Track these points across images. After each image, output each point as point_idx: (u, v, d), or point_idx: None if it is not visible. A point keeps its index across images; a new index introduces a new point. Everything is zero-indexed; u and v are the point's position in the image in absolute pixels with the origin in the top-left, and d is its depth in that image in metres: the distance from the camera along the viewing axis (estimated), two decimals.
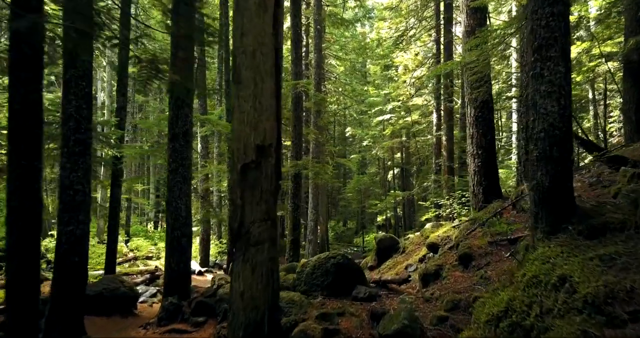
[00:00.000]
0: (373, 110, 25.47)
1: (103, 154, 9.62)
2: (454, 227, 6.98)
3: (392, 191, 26.39)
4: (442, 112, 17.54)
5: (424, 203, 16.14)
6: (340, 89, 26.35)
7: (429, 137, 23.23)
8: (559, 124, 3.39)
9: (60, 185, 5.68)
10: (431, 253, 6.72)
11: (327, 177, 12.05)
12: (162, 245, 23.81)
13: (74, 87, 5.67)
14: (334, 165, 27.73)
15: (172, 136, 7.03)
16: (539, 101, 3.40)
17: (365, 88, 27.11)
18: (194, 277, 15.30)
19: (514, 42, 17.12)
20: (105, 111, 20.53)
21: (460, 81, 19.87)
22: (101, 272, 11.20)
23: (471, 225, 6.41)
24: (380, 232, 30.64)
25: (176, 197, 6.97)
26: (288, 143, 14.77)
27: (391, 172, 28.62)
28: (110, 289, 8.33)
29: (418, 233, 11.68)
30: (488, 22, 8.40)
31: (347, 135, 33.56)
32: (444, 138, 16.82)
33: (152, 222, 31.82)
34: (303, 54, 24.27)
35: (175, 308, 6.67)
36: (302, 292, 5.01)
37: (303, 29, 24.41)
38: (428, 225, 10.83)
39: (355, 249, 28.07)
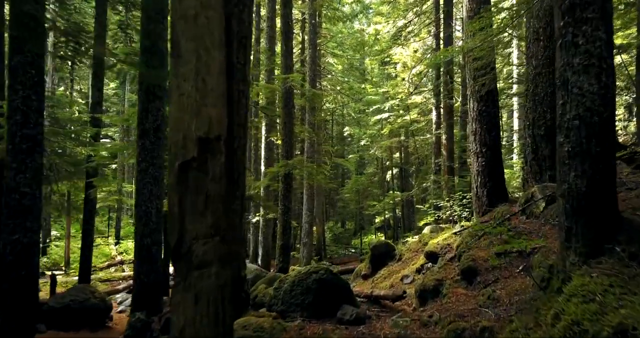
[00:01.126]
0: (371, 109, 24.78)
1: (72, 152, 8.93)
2: (455, 233, 6.27)
3: (391, 192, 25.75)
4: (441, 109, 16.84)
5: (422, 206, 15.42)
6: (338, 88, 25.64)
7: (428, 136, 22.52)
8: (600, 107, 2.58)
9: (5, 188, 4.98)
10: (430, 263, 6.01)
11: (320, 178, 11.35)
12: None
13: (22, 75, 4.96)
14: (331, 165, 27.06)
15: (142, 132, 6.33)
16: (571, 78, 2.62)
17: (363, 86, 26.43)
18: None
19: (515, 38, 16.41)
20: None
21: (460, 77, 19.17)
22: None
23: (475, 232, 5.70)
24: (378, 234, 29.94)
25: (146, 199, 6.27)
26: (279, 142, 14.05)
27: (390, 172, 27.94)
28: (79, 301, 7.62)
29: (416, 238, 10.98)
30: (492, 9, 7.69)
31: (345, 134, 32.90)
32: (443, 137, 16.13)
33: None
34: (299, 51, 23.61)
35: (144, 325, 5.95)
36: (280, 312, 4.31)
37: (299, 25, 23.75)
38: (426, 230, 10.12)
39: (353, 251, 27.45)
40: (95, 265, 15.43)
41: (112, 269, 16.39)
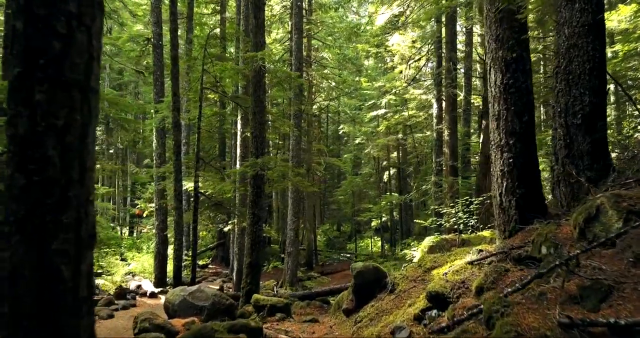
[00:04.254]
0: (367, 105, 22.84)
1: None
2: (470, 263, 4.29)
3: (388, 193, 23.84)
4: (443, 101, 14.87)
5: (420, 220, 13.39)
6: (333, 83, 23.57)
7: (428, 133, 20.61)
8: None
9: None
10: (435, 310, 4.03)
11: (297, 180, 9.37)
12: (130, 254, 21.05)
13: None
14: (326, 166, 25.10)
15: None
16: None
17: (357, 78, 24.46)
18: (144, 300, 12.61)
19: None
20: None
21: (463, 67, 17.23)
22: None
23: (503, 265, 3.72)
24: (375, 238, 27.97)
25: None
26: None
27: (387, 172, 26.01)
28: None
29: (415, 255, 9.03)
30: None
31: (340, 133, 31.03)
32: (445, 132, 14.14)
33: (127, 227, 28.98)
34: (287, 39, 21.60)
35: None
36: None
37: (287, 13, 21.77)
38: (425, 244, 8.16)
39: (349, 256, 25.58)
40: None
41: None
